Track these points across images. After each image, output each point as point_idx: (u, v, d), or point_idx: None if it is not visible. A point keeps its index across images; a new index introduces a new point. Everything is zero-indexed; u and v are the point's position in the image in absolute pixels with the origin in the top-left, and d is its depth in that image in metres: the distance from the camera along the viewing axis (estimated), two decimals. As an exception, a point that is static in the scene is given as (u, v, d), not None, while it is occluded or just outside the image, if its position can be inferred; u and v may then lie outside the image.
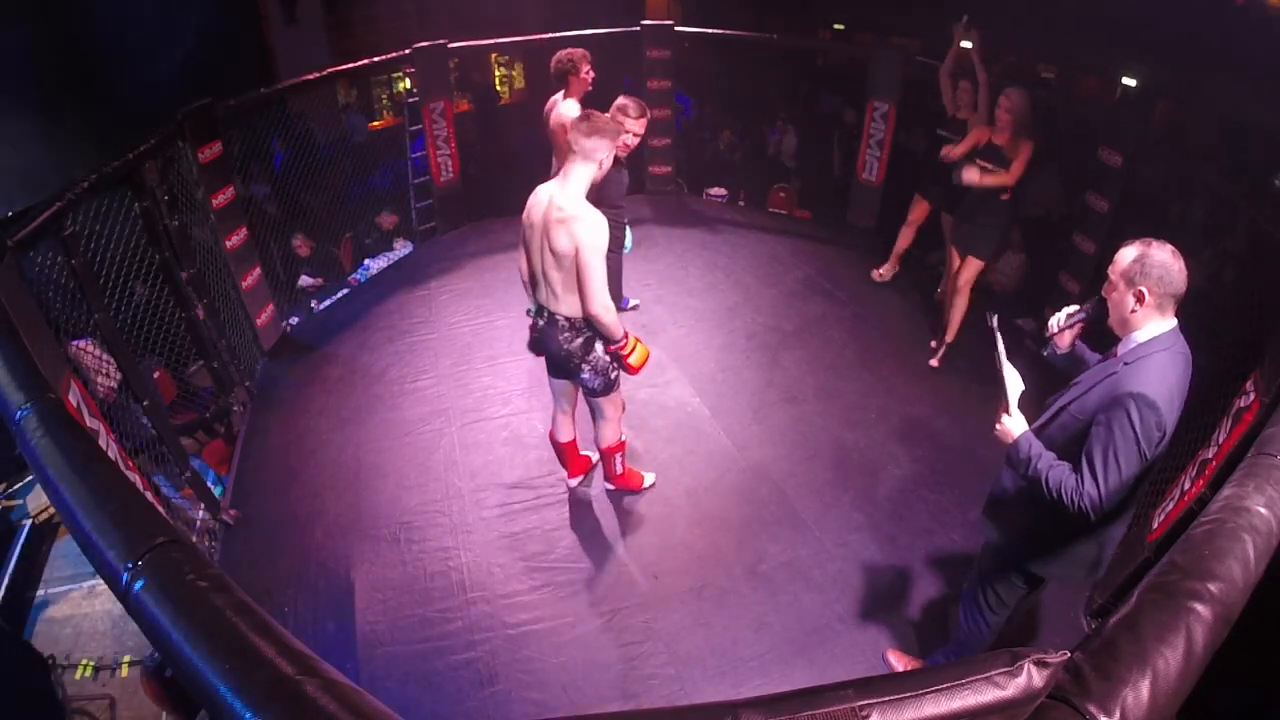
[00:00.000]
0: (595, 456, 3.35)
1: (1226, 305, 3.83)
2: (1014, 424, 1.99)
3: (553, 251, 2.50)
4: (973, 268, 3.97)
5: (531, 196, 2.60)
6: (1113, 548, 2.05)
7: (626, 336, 2.66)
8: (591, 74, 3.84)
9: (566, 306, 2.61)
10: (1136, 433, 1.71)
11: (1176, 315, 1.80)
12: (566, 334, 2.66)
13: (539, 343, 2.79)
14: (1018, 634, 2.61)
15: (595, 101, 3.41)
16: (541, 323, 2.73)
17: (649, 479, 3.35)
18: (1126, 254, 1.79)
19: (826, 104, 7.08)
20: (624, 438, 3.14)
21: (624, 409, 3.06)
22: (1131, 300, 1.78)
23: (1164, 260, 1.74)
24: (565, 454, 3.26)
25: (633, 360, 2.71)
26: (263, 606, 0.91)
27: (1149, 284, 1.75)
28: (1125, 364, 1.79)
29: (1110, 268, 1.83)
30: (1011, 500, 2.09)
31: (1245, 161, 4.90)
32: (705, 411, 3.84)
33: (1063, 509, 1.80)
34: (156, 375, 3.87)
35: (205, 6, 5.98)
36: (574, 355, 2.69)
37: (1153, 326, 1.79)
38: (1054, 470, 1.84)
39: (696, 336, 4.44)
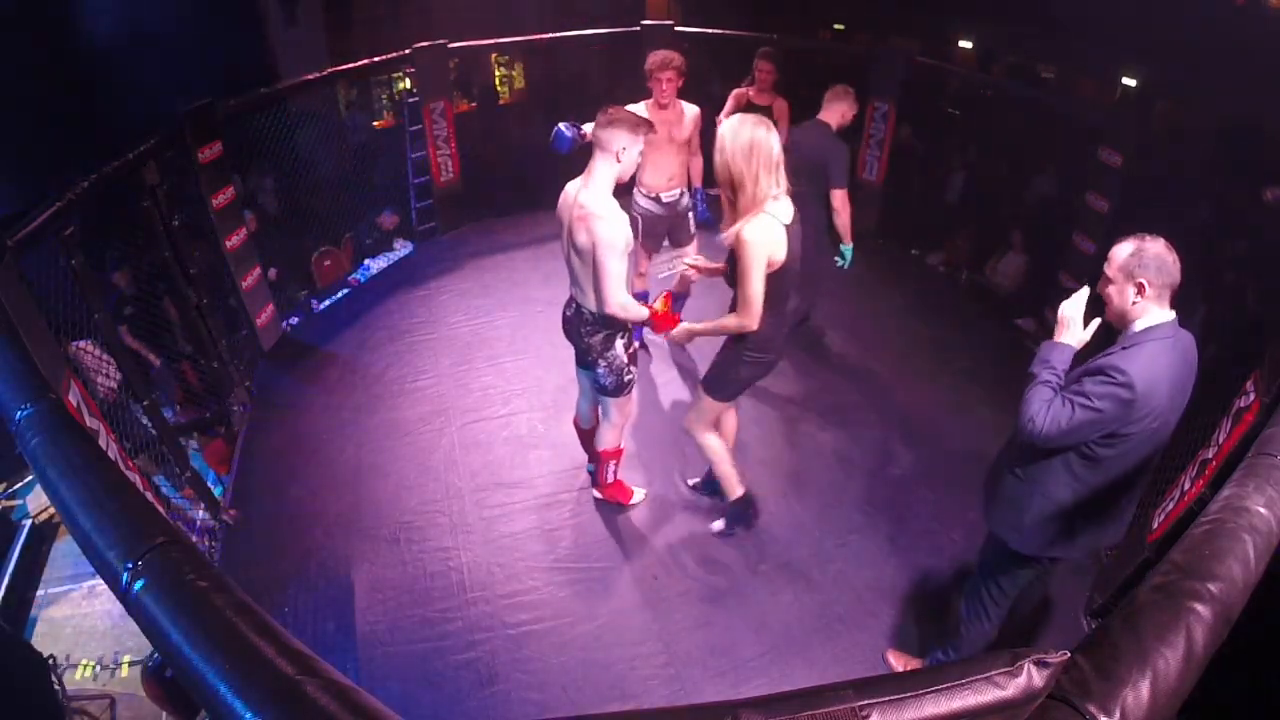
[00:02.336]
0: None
1: (1228, 306, 3.83)
2: (1072, 329, 1.94)
3: (575, 248, 2.53)
4: (710, 409, 2.83)
5: (563, 193, 2.61)
6: (1103, 535, 2.08)
7: (653, 312, 2.65)
8: (661, 83, 3.54)
9: (590, 301, 2.64)
10: (1102, 391, 1.76)
11: (1173, 307, 1.84)
12: (589, 327, 2.70)
13: (567, 332, 2.84)
14: (1018, 634, 2.61)
15: (597, 104, 3.40)
16: (569, 313, 2.78)
17: (638, 495, 3.29)
18: (1122, 249, 1.83)
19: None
20: (622, 445, 3.11)
21: (630, 418, 3.04)
22: (1132, 292, 1.81)
23: (1159, 252, 1.79)
24: (586, 440, 3.26)
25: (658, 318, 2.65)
26: (263, 606, 0.91)
27: (1148, 275, 1.78)
28: (1122, 348, 1.83)
29: (1106, 265, 1.86)
30: (1002, 481, 2.12)
31: (1245, 162, 4.90)
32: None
33: (1018, 421, 1.88)
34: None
35: (205, 6, 5.99)
36: (593, 349, 2.73)
37: (1152, 316, 1.82)
38: (1043, 387, 1.87)
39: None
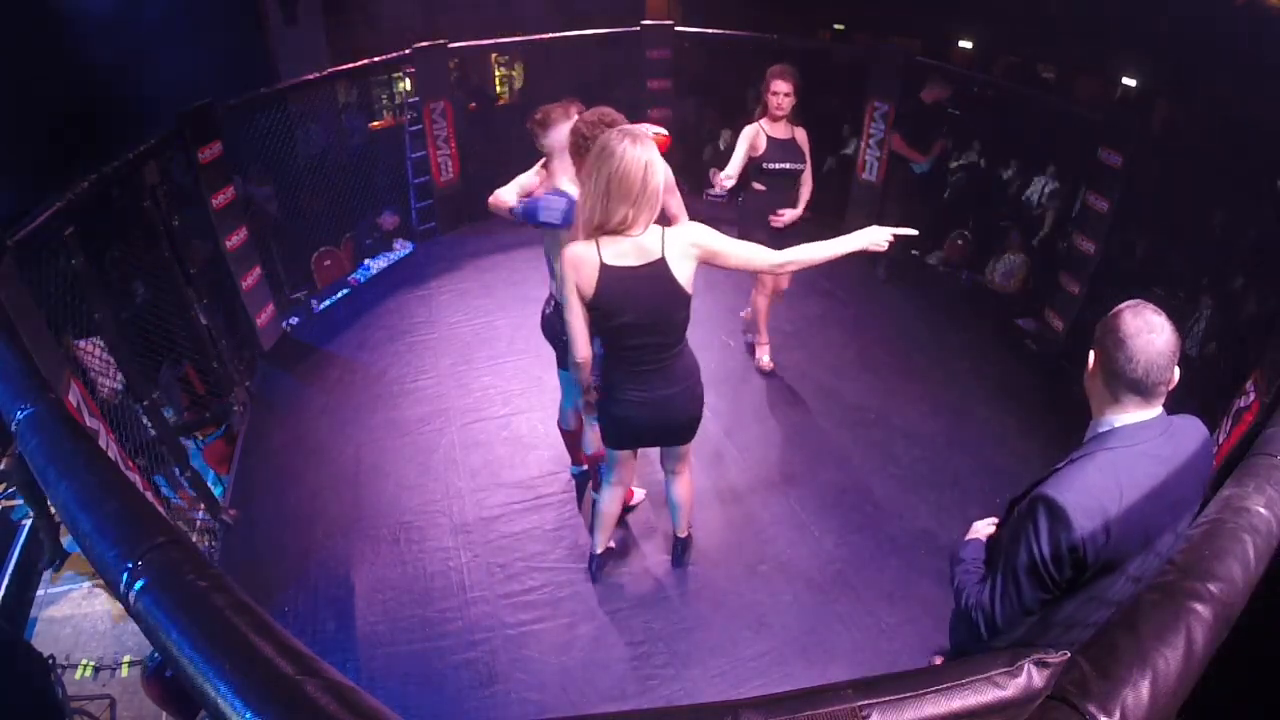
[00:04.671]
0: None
1: (1228, 305, 3.83)
2: (978, 527, 1.72)
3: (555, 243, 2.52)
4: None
5: None
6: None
7: None
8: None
9: None
10: (1038, 549, 1.32)
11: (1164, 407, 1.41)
12: (564, 325, 2.67)
13: (545, 331, 2.84)
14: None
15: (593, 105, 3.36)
16: (548, 311, 2.77)
17: (638, 495, 3.22)
18: (1112, 311, 1.42)
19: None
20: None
21: None
22: (1091, 359, 1.44)
23: (1122, 327, 1.34)
24: (568, 442, 3.26)
25: None
26: (263, 606, 0.91)
27: (1098, 350, 1.40)
28: (1071, 460, 1.42)
29: None
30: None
31: (1245, 162, 4.91)
32: (705, 411, 3.82)
33: (973, 628, 1.49)
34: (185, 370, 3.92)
35: (205, 6, 5.98)
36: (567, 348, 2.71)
37: (1115, 416, 1.39)
38: (967, 574, 1.56)
39: (696, 337, 4.40)
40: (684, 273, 2.07)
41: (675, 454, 2.62)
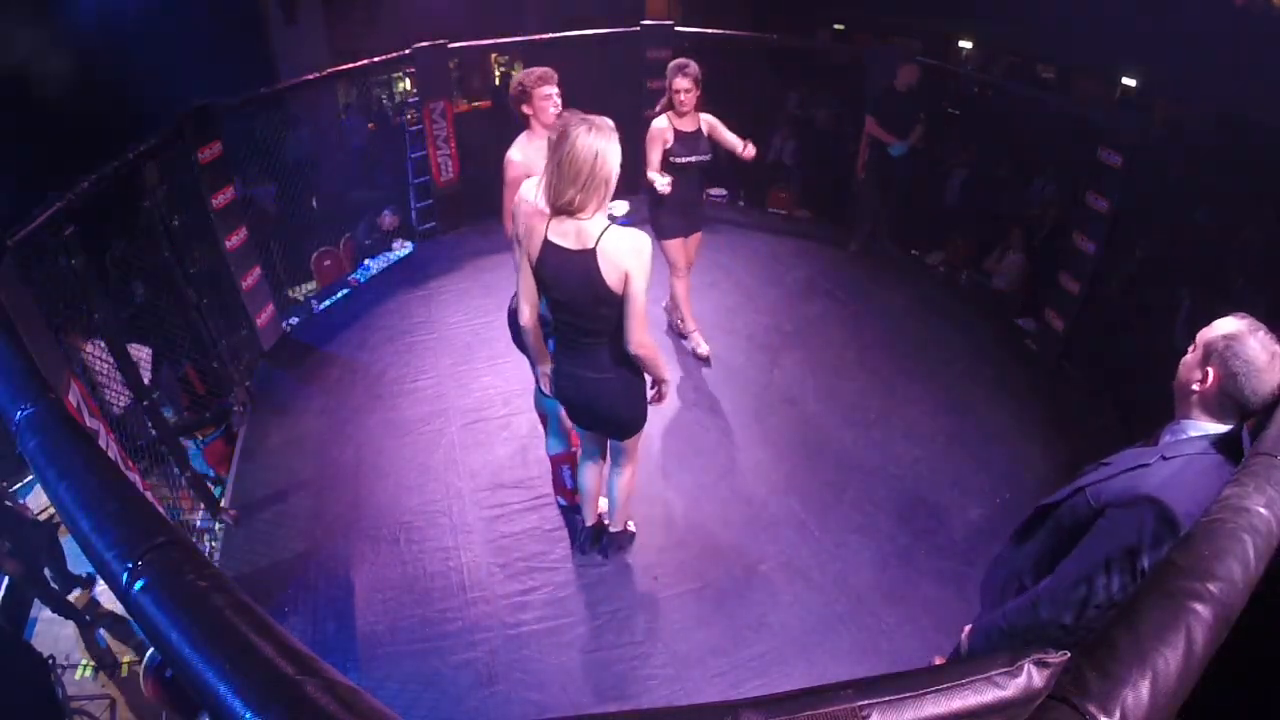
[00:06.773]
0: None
1: (1226, 304, 3.83)
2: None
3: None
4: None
5: (519, 194, 2.59)
6: None
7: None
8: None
9: None
10: (1142, 546, 1.41)
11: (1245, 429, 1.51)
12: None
13: (513, 334, 2.83)
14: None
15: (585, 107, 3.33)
16: (513, 305, 2.74)
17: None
18: (1224, 325, 1.50)
19: (792, 102, 6.99)
20: (575, 450, 3.02)
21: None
22: (1197, 374, 1.51)
23: (1253, 358, 1.43)
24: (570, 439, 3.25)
25: None
26: (263, 606, 0.91)
27: (1220, 371, 1.47)
28: (1163, 458, 1.50)
29: (1204, 329, 1.55)
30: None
31: (1246, 161, 4.91)
32: (706, 411, 3.84)
33: (1031, 621, 1.54)
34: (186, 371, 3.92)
35: (205, 6, 5.99)
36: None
37: (1210, 425, 1.51)
38: (1014, 608, 1.58)
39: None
40: (612, 274, 2.08)
41: (618, 449, 2.65)
